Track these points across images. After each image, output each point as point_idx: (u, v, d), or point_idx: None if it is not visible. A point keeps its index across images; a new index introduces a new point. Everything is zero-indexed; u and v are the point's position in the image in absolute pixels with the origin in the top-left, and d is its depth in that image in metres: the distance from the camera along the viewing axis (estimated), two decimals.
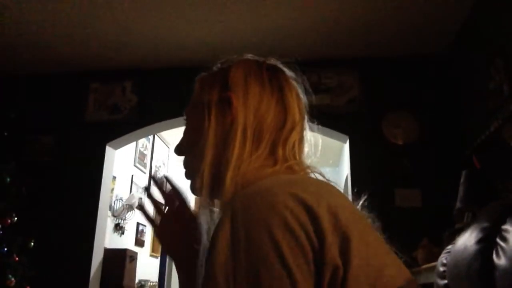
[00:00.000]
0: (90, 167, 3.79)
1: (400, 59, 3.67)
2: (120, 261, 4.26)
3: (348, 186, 3.64)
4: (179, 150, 0.84)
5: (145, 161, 5.82)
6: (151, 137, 5.86)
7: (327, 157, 6.37)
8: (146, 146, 5.88)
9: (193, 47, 3.61)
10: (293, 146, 0.76)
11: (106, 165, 3.85)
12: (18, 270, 2.88)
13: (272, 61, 0.85)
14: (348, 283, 0.53)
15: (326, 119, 3.58)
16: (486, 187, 2.45)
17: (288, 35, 3.48)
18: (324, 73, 3.72)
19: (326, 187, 0.63)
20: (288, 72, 0.84)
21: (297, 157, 0.77)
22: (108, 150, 3.89)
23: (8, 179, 3.07)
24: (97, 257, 3.66)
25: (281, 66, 0.84)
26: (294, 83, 0.83)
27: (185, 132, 0.84)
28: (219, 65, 0.84)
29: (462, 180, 2.51)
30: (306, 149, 0.82)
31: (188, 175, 0.82)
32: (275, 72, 0.81)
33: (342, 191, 0.65)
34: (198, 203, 0.75)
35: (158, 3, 3.11)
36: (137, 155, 5.59)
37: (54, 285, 3.42)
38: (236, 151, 0.70)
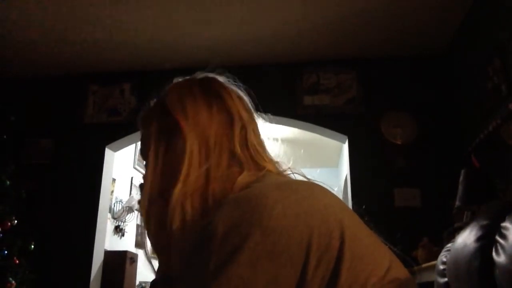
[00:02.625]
0: (90, 169, 3.79)
1: (399, 59, 3.67)
2: (120, 263, 4.25)
3: (348, 186, 3.64)
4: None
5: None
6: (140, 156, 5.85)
7: (326, 158, 6.37)
8: None
9: (192, 48, 3.61)
10: (255, 145, 0.76)
11: (106, 167, 3.85)
12: (18, 273, 2.88)
13: (202, 74, 0.85)
14: (340, 285, 0.53)
15: (325, 119, 3.63)
16: (485, 186, 2.46)
17: (286, 37, 3.48)
18: (323, 74, 3.73)
19: (316, 187, 0.63)
20: (222, 79, 0.84)
21: (265, 157, 0.76)
22: (108, 152, 3.89)
23: (8, 182, 3.07)
24: (97, 259, 3.66)
25: (212, 75, 0.85)
26: (231, 86, 0.83)
27: (143, 177, 0.83)
28: (154, 99, 0.85)
29: (461, 179, 2.52)
30: (277, 150, 0.81)
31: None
32: (207, 83, 0.82)
33: (329, 190, 0.64)
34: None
35: (156, 4, 3.11)
36: (137, 157, 5.58)
37: (56, 287, 3.41)
38: (183, 171, 0.70)
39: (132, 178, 5.51)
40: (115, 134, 3.87)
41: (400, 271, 0.58)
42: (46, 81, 4.09)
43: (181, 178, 0.70)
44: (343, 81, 3.70)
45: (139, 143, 5.45)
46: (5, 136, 3.30)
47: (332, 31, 3.41)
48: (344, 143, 3.75)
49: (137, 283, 4.68)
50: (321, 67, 3.74)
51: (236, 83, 0.84)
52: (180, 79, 0.85)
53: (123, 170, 5.17)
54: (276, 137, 0.90)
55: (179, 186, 0.69)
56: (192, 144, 0.73)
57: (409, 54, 3.64)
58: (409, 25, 3.30)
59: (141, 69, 3.94)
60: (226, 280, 0.52)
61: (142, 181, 0.83)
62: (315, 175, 0.75)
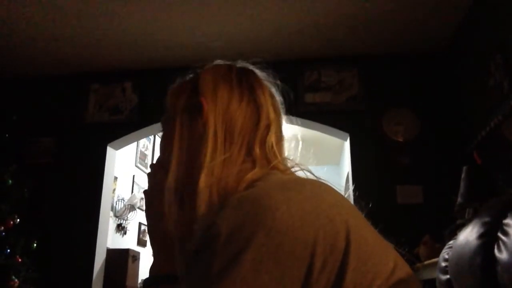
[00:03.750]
0: (92, 168, 3.80)
1: (400, 56, 3.67)
2: (122, 261, 4.26)
3: (349, 183, 3.64)
4: (151, 166, 0.83)
5: (146, 161, 5.82)
6: (151, 137, 5.86)
7: (328, 155, 6.38)
8: (147, 146, 5.88)
9: (193, 47, 3.61)
10: (272, 146, 0.75)
11: (108, 166, 3.85)
12: (21, 271, 2.89)
13: (242, 64, 0.85)
14: (346, 281, 0.53)
15: (326, 117, 3.63)
16: (487, 183, 2.45)
17: (288, 33, 3.48)
18: (324, 71, 3.73)
19: (321, 186, 0.63)
20: (260, 73, 0.84)
21: (278, 156, 0.75)
22: (109, 150, 3.90)
23: (10, 182, 3.08)
24: (99, 258, 3.67)
25: (251, 67, 0.84)
26: (266, 83, 0.83)
27: (160, 145, 0.83)
28: (190, 74, 0.84)
29: (463, 176, 2.52)
30: (286, 147, 0.81)
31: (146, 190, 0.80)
32: (245, 74, 0.81)
33: (335, 188, 0.64)
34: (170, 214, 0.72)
35: (157, 3, 3.11)
36: (138, 155, 5.59)
37: (58, 286, 3.42)
38: (208, 155, 0.70)
39: (134, 176, 5.52)
40: (117, 133, 3.88)
41: (404, 271, 0.58)
42: (47, 80, 4.09)
43: (207, 162, 0.69)
44: (344, 78, 3.70)
45: (140, 142, 5.49)
46: (7, 135, 3.31)
47: (333, 28, 3.40)
48: (346, 140, 3.75)
49: (139, 281, 4.69)
50: (322, 65, 3.74)
51: (274, 81, 0.84)
52: (220, 62, 0.84)
53: (125, 168, 5.18)
54: (295, 134, 0.90)
55: (205, 170, 0.69)
56: (218, 130, 0.72)
57: (411, 51, 3.63)
58: (410, 22, 3.30)
59: (143, 67, 3.94)
60: (230, 282, 0.51)
61: (153, 162, 0.83)
62: (321, 173, 0.74)
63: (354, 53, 3.70)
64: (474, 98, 3.12)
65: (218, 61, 0.85)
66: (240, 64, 0.84)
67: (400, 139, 3.47)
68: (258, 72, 0.84)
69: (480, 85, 2.93)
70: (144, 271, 4.95)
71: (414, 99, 3.57)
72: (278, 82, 0.85)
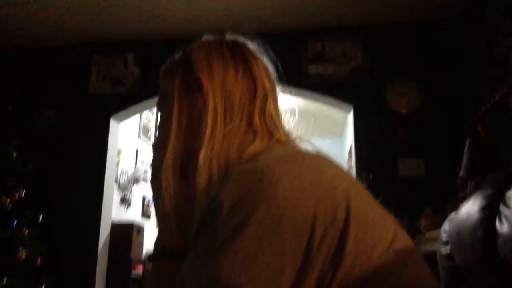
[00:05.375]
0: (95, 140, 3.81)
1: (404, 26, 3.61)
2: (127, 233, 4.32)
3: (352, 156, 3.64)
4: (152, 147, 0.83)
5: (149, 134, 5.83)
6: (154, 109, 5.85)
7: (331, 128, 6.36)
8: (150, 118, 5.88)
9: (195, 17, 3.56)
10: (272, 116, 0.76)
11: (111, 139, 3.86)
12: (28, 243, 2.94)
13: (232, 36, 0.84)
14: (346, 255, 0.53)
15: (330, 88, 3.60)
16: (490, 156, 2.45)
17: (291, 3, 3.42)
18: (328, 42, 3.68)
19: (321, 158, 0.63)
20: (251, 45, 0.83)
21: (279, 127, 0.76)
22: (112, 123, 3.90)
23: (15, 155, 3.09)
24: (104, 230, 3.72)
25: (242, 39, 0.84)
26: (258, 54, 0.82)
27: (158, 127, 0.83)
28: (180, 52, 0.83)
29: (466, 149, 2.51)
30: (285, 119, 0.81)
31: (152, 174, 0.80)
32: (236, 46, 0.81)
33: (335, 161, 0.64)
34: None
35: None
36: (141, 128, 5.60)
37: (64, 257, 3.49)
38: (208, 130, 0.70)
39: (137, 149, 5.54)
40: (120, 105, 3.87)
41: (404, 241, 0.59)
42: (49, 52, 4.06)
43: (207, 137, 0.70)
44: (348, 49, 3.65)
45: (143, 114, 5.49)
46: (10, 108, 3.31)
47: None
48: (349, 112, 3.73)
49: (144, 253, 4.77)
50: (326, 35, 3.69)
51: (264, 52, 0.83)
52: (209, 37, 0.84)
53: (128, 141, 5.19)
54: (291, 106, 0.89)
55: (205, 146, 0.69)
56: (217, 104, 0.73)
57: (416, 20, 3.57)
58: None
59: (144, 39, 3.89)
60: (233, 254, 0.52)
61: (155, 141, 0.83)
62: (323, 145, 0.74)
63: (358, 23, 3.64)
64: (479, 69, 3.08)
65: (207, 36, 0.84)
66: (230, 37, 0.84)
67: (403, 111, 3.45)
68: (249, 44, 0.83)
69: (486, 56, 2.89)
70: (148, 243, 5.03)
71: (418, 70, 3.53)
72: (271, 53, 0.84)
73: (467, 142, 2.54)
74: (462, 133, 2.97)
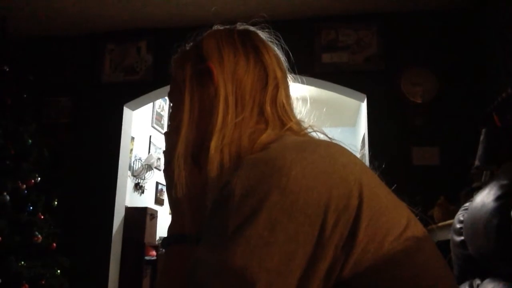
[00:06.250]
0: (109, 128, 3.84)
1: (420, 14, 3.55)
2: (141, 219, 4.38)
3: (365, 145, 3.62)
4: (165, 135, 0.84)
5: (162, 122, 5.87)
6: (167, 97, 5.89)
7: (344, 117, 6.33)
8: (163, 107, 5.91)
9: (207, 5, 3.54)
10: (283, 105, 0.76)
11: (124, 126, 3.89)
12: (44, 227, 2.98)
13: (242, 26, 0.84)
14: (358, 242, 0.53)
15: (343, 77, 3.57)
16: (505, 146, 2.42)
17: None
18: (342, 30, 3.64)
19: (334, 146, 0.63)
20: (262, 34, 0.83)
21: (291, 116, 0.76)
22: (126, 111, 3.93)
23: (30, 141, 3.13)
24: (118, 215, 3.77)
25: (252, 29, 0.84)
26: (269, 43, 0.82)
27: (170, 117, 0.84)
28: (190, 43, 0.83)
29: (481, 138, 2.48)
30: (297, 108, 0.81)
31: (165, 163, 0.81)
32: (247, 35, 0.81)
33: (349, 148, 0.64)
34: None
35: None
36: (154, 115, 5.63)
37: (79, 241, 3.55)
38: (219, 119, 0.71)
39: (150, 136, 5.58)
40: (133, 93, 3.89)
41: (417, 229, 0.58)
42: (63, 40, 4.09)
43: (218, 126, 0.70)
44: (362, 37, 3.61)
45: (156, 102, 5.51)
46: (25, 95, 3.34)
47: None
48: (363, 101, 3.70)
49: (157, 238, 4.83)
50: (340, 23, 3.64)
51: (276, 41, 0.83)
52: (219, 27, 0.84)
53: (141, 128, 5.23)
54: (303, 95, 0.89)
55: (216, 134, 0.70)
56: (228, 93, 0.73)
57: (432, 8, 3.51)
58: None
59: (157, 26, 3.89)
60: (245, 240, 0.53)
61: (167, 130, 0.84)
62: (336, 134, 0.74)
63: (373, 10, 3.58)
64: (496, 59, 3.03)
65: (217, 26, 0.84)
66: (241, 26, 0.84)
67: (419, 100, 3.41)
68: (260, 33, 0.83)
69: (504, 46, 2.83)
70: (161, 228, 5.09)
71: (434, 58, 3.48)
72: (283, 42, 0.84)
73: (483, 131, 2.51)
74: (478, 123, 2.93)
